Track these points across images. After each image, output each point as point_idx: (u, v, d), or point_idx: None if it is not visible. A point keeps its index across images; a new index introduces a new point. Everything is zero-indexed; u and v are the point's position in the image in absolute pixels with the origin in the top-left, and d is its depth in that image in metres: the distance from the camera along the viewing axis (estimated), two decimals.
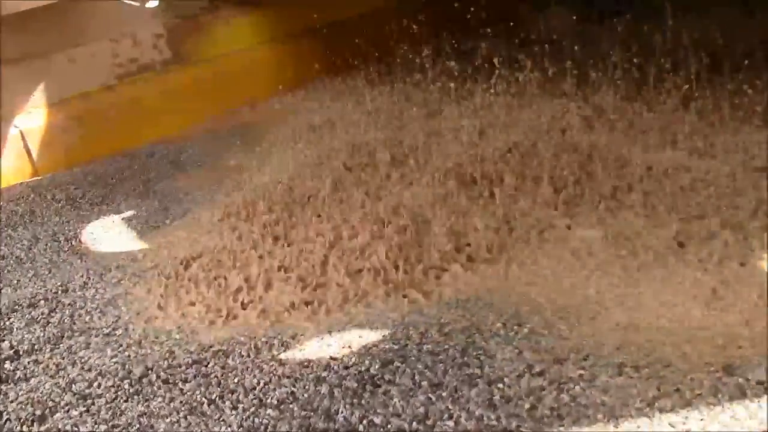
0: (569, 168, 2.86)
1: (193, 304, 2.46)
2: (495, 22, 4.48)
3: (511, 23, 4.60)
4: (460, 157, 3.11)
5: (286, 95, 4.70)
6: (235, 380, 2.00)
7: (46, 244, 3.18)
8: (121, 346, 2.27)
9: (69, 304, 2.59)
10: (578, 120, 3.31)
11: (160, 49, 4.54)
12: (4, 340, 2.37)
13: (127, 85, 4.47)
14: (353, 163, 3.35)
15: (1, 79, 3.93)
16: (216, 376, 2.03)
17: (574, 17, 4.52)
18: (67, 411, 1.98)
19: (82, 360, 2.23)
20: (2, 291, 2.76)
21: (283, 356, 2.09)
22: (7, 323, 2.48)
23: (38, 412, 1.99)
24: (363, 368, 1.95)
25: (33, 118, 4.19)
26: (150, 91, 4.49)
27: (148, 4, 4.43)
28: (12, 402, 2.05)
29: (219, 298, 2.45)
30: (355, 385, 1.88)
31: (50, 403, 2.02)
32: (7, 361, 2.27)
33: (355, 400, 1.81)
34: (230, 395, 1.93)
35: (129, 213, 3.47)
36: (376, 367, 1.94)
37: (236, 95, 4.63)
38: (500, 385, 1.78)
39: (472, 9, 4.44)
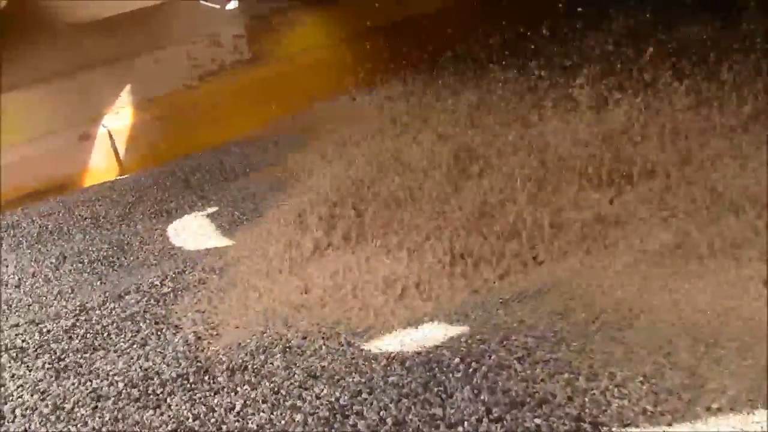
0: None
1: (270, 298, 2.48)
2: (569, 16, 4.44)
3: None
4: (535, 157, 3.06)
5: (359, 93, 4.73)
6: (312, 369, 1.99)
7: (132, 242, 3.24)
8: (198, 336, 2.28)
9: (155, 298, 2.61)
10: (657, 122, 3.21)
11: (239, 49, 4.66)
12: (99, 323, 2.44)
13: (208, 84, 4.60)
14: (423, 162, 3.32)
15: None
16: (291, 366, 2.03)
17: None
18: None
19: (165, 347, 2.25)
20: (97, 284, 2.82)
21: (356, 349, 2.08)
22: (105, 311, 2.52)
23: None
24: (442, 361, 1.92)
25: (120, 118, 4.36)
26: (230, 91, 4.61)
27: (228, 6, 4.55)
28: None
29: (294, 292, 2.47)
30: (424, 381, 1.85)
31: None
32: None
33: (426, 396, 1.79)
34: (310, 383, 1.92)
35: (210, 210, 3.53)
36: (455, 361, 1.91)
37: (311, 93, 4.69)
38: None
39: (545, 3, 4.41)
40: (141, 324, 2.37)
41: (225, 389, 1.93)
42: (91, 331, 2.35)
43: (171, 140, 4.44)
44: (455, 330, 2.06)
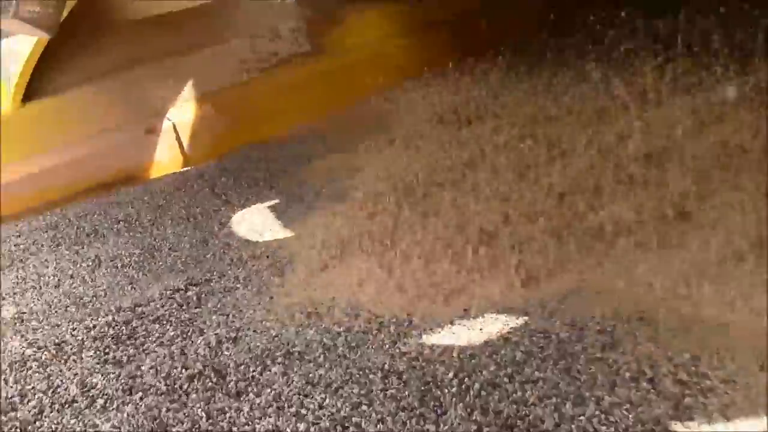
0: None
1: (328, 291, 2.49)
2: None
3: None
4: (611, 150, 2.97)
5: (418, 85, 4.71)
6: (368, 361, 1.99)
7: (196, 232, 3.28)
8: (266, 327, 2.30)
9: (218, 290, 2.64)
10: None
11: (299, 42, 4.71)
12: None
13: (268, 77, 4.65)
14: (488, 153, 3.28)
15: None
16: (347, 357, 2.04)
17: None
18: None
19: (238, 336, 2.29)
20: (151, 277, 2.88)
21: (412, 342, 2.07)
22: (159, 306, 2.56)
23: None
24: (504, 355, 1.89)
25: (183, 111, 4.45)
26: (290, 83, 4.65)
27: None
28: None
29: (354, 284, 2.47)
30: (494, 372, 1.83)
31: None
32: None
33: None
34: (367, 375, 1.92)
35: (272, 202, 3.57)
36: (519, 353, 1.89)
37: (369, 86, 4.69)
38: None
39: None
40: (208, 315, 2.40)
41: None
42: (154, 318, 2.41)
43: (233, 132, 4.51)
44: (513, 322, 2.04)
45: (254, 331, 2.26)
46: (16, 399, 2.02)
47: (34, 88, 4.03)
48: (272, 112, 4.59)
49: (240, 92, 4.59)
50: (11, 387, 2.08)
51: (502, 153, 3.23)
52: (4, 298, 2.64)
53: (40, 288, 2.74)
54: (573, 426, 1.56)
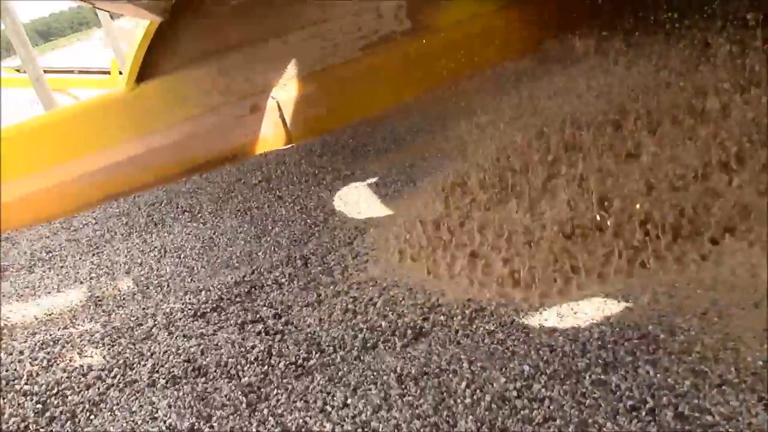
0: None
1: (426, 268, 2.46)
2: None
3: None
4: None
5: (519, 61, 4.60)
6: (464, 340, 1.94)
7: (298, 208, 3.35)
8: (362, 303, 2.30)
9: (320, 264, 2.67)
10: None
11: (400, 19, 4.70)
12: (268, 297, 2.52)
13: (369, 56, 4.68)
14: (592, 131, 3.07)
15: None
16: (442, 336, 2.00)
17: None
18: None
19: (337, 311, 2.31)
20: (257, 254, 2.95)
21: (498, 325, 2.00)
22: (267, 281, 2.60)
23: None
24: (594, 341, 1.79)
25: (287, 90, 4.56)
26: (390, 61, 4.66)
27: None
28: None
29: (450, 262, 2.44)
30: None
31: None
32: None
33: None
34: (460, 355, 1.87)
35: (372, 179, 3.60)
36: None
37: (471, 62, 4.64)
38: None
39: None
40: (311, 289, 2.46)
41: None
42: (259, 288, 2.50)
43: (335, 110, 4.61)
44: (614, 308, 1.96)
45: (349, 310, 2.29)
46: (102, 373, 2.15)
47: (146, 69, 4.23)
48: (373, 90, 4.64)
49: (342, 70, 4.65)
50: (104, 358, 2.22)
51: (609, 129, 3.04)
52: (81, 283, 2.82)
53: (113, 274, 2.91)
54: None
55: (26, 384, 2.09)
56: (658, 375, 1.58)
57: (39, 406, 1.98)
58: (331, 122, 4.57)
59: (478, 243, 2.48)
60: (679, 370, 1.57)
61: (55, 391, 2.03)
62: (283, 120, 4.56)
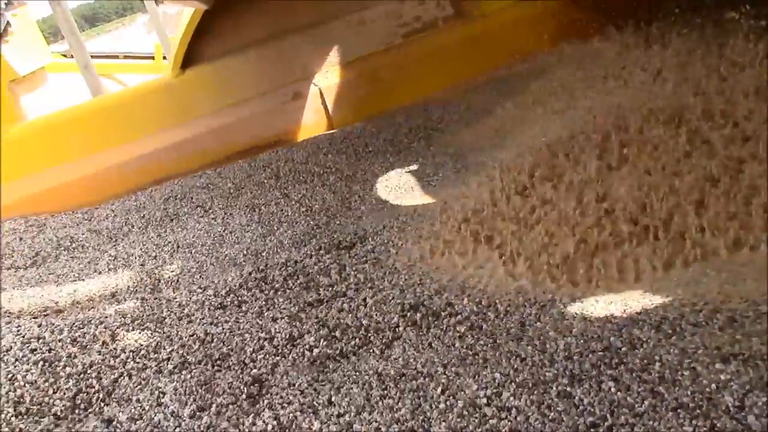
0: None
1: (467, 255, 2.46)
2: None
3: None
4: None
5: (561, 48, 4.51)
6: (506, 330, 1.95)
7: (341, 193, 3.39)
8: (405, 287, 2.33)
9: (363, 249, 2.70)
10: None
11: (442, 5, 4.66)
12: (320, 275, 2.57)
13: (411, 43, 4.67)
14: (627, 121, 2.95)
15: None
16: (478, 326, 2.01)
17: None
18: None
19: (379, 294, 2.34)
20: (310, 234, 3.00)
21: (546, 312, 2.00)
22: (311, 264, 2.64)
23: None
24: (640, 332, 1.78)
25: (329, 77, 4.59)
26: (433, 48, 4.65)
27: None
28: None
29: (494, 251, 2.42)
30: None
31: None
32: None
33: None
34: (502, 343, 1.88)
35: (414, 166, 3.60)
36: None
37: (514, 49, 4.59)
38: None
39: None
40: (354, 273, 2.50)
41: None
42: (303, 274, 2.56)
43: (376, 97, 4.64)
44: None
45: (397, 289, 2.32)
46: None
47: (191, 55, 4.32)
48: (415, 76, 4.64)
49: (383, 57, 4.66)
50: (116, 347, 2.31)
51: (657, 115, 2.91)
52: (99, 273, 2.92)
53: (130, 266, 3.02)
54: None
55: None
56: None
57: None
58: (372, 109, 4.60)
59: (518, 235, 2.43)
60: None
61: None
62: (325, 107, 4.61)
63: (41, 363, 2.17)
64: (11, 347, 2.26)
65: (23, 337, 2.32)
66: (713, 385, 1.49)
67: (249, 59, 4.49)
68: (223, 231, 3.17)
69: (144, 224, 3.50)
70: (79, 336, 2.32)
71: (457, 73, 4.62)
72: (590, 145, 2.81)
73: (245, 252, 2.87)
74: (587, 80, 3.84)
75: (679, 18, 4.03)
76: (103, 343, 2.28)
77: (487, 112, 4.04)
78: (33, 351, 2.24)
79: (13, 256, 3.31)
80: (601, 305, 1.97)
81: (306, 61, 4.58)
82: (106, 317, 2.45)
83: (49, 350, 2.24)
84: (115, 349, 2.25)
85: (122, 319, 2.42)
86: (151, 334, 2.31)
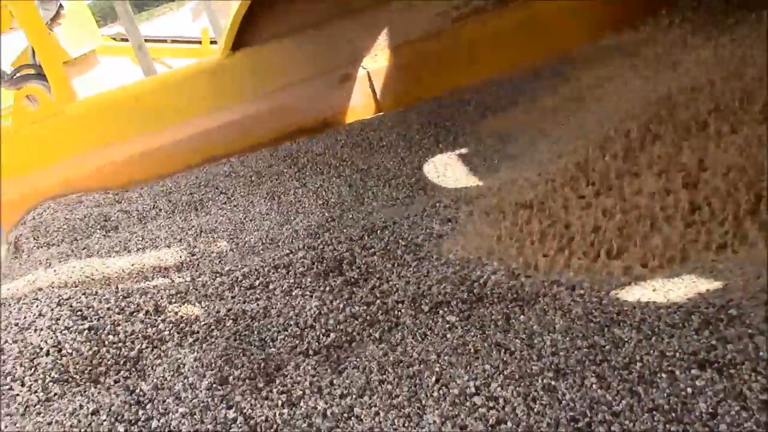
0: None
1: (517, 243, 2.46)
2: None
3: None
4: None
5: (611, 36, 4.43)
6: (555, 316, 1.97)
7: (387, 177, 3.44)
8: (447, 272, 2.36)
9: (407, 232, 2.74)
10: None
11: None
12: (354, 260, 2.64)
13: (460, 28, 4.66)
14: (681, 110, 2.91)
15: None
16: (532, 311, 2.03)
17: None
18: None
19: (419, 274, 2.40)
20: (352, 214, 3.08)
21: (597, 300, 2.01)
22: (356, 247, 2.71)
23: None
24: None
25: (377, 60, 4.63)
26: (483, 32, 4.62)
27: None
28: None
29: (545, 240, 2.42)
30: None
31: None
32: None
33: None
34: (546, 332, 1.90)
35: (462, 150, 3.62)
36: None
37: (566, 34, 4.53)
38: None
39: None
40: (401, 255, 2.58)
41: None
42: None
43: (425, 81, 4.64)
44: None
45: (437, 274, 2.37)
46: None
47: (242, 37, 4.42)
48: (464, 61, 4.63)
49: (433, 41, 4.67)
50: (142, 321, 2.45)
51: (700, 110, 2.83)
52: (129, 252, 3.09)
53: (157, 247, 3.16)
54: None
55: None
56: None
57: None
58: (421, 93, 4.61)
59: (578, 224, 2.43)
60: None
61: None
62: (373, 90, 4.64)
63: (87, 331, 2.31)
64: (60, 317, 2.40)
65: (71, 306, 2.46)
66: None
67: (299, 42, 4.56)
68: (244, 218, 3.28)
69: (171, 208, 3.64)
70: (125, 305, 2.46)
71: (509, 59, 4.56)
72: (636, 135, 2.76)
73: (264, 240, 2.98)
74: (644, 66, 3.77)
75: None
76: (147, 312, 2.42)
77: (539, 98, 4.02)
78: (84, 319, 2.39)
79: (49, 234, 3.51)
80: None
81: (355, 44, 4.62)
82: (149, 289, 2.59)
83: (98, 318, 2.38)
84: (155, 319, 2.40)
85: (162, 291, 2.56)
86: (187, 307, 2.45)
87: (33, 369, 2.16)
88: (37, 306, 2.50)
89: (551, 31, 4.53)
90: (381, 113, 4.55)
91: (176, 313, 2.43)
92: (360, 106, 4.64)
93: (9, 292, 2.78)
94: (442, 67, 4.63)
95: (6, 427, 1.99)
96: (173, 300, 2.50)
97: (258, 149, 4.33)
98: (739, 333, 1.64)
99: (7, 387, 2.12)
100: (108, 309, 2.43)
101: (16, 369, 2.18)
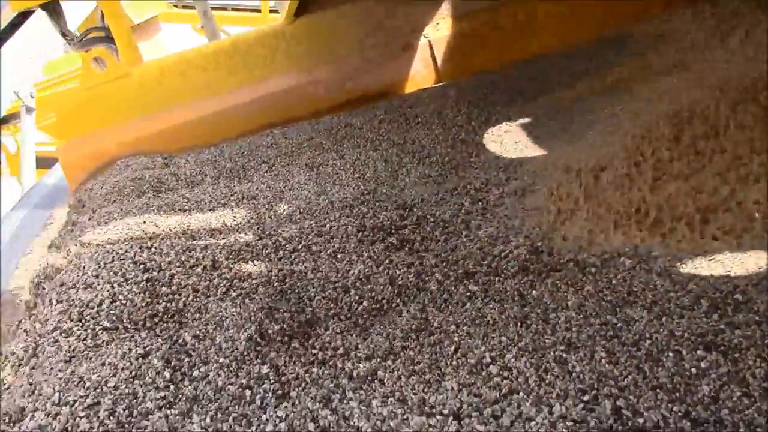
0: None
1: (583, 213, 2.47)
2: None
3: None
4: None
5: (674, 12, 4.30)
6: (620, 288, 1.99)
7: (422, 155, 3.47)
8: (473, 248, 2.42)
9: (469, 202, 2.80)
10: None
11: None
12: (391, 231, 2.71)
13: None
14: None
15: None
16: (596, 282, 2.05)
17: None
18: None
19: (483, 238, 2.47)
20: (386, 189, 3.12)
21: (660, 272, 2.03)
22: (391, 218, 2.76)
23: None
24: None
25: (439, 29, 4.63)
26: (544, 5, 4.53)
27: None
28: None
29: (613, 209, 2.42)
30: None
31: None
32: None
33: None
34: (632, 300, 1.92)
35: (524, 120, 3.62)
36: None
37: (635, 6, 4.43)
38: None
39: None
40: (431, 231, 2.64)
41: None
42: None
43: (487, 51, 4.59)
44: None
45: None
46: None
47: (305, 4, 4.46)
48: (525, 32, 4.56)
49: (495, 12, 4.61)
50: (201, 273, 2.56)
51: None
52: (175, 212, 3.22)
53: (202, 210, 3.26)
54: None
55: None
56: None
57: None
58: (481, 64, 4.58)
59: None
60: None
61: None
62: (434, 59, 4.63)
63: (145, 282, 2.45)
64: (120, 269, 2.54)
65: (134, 260, 2.60)
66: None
67: (360, 9, 4.55)
68: (284, 187, 3.38)
69: (216, 174, 3.76)
70: (185, 259, 2.58)
71: (574, 30, 4.48)
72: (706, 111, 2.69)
73: (301, 209, 3.06)
74: (714, 44, 3.66)
75: None
76: (204, 267, 2.54)
77: (598, 72, 3.96)
78: (146, 271, 2.51)
79: (109, 193, 3.65)
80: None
81: (417, 13, 4.59)
82: (209, 245, 2.71)
83: (159, 270, 2.52)
84: (211, 274, 2.52)
85: (219, 249, 2.67)
86: (240, 265, 2.58)
87: (81, 321, 2.29)
88: (96, 260, 2.65)
89: (617, 5, 4.43)
90: (441, 83, 4.56)
91: (230, 270, 2.54)
92: (420, 75, 4.63)
93: (75, 249, 2.95)
94: (505, 38, 4.57)
95: (46, 377, 2.11)
96: (229, 257, 2.61)
97: (316, 117, 4.39)
98: (746, 319, 1.65)
99: (52, 340, 2.25)
100: (169, 263, 2.56)
101: (62, 323, 2.31)
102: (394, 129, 3.90)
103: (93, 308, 2.33)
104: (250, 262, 2.61)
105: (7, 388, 2.19)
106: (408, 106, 4.20)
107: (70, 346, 2.18)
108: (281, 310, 2.23)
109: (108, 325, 2.26)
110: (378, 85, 4.59)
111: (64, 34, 4.00)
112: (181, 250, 2.65)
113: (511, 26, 4.57)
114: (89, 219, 3.37)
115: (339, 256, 2.56)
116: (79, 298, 2.40)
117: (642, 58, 3.94)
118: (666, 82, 3.43)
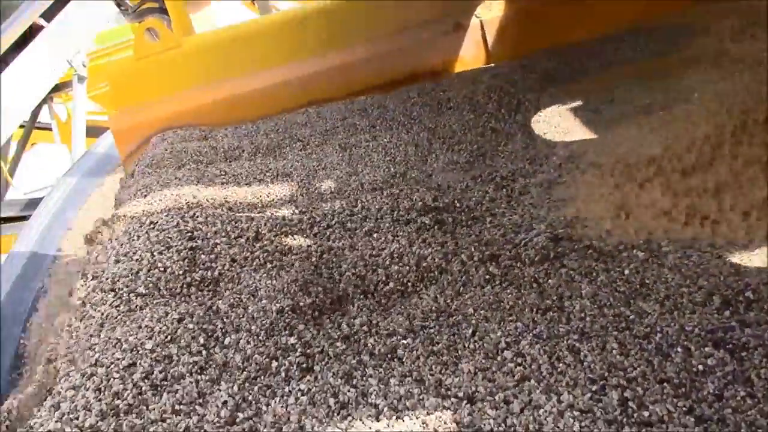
0: None
1: (615, 201, 2.49)
2: None
3: None
4: None
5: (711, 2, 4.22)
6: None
7: (452, 141, 3.47)
8: (496, 234, 2.45)
9: (494, 189, 2.84)
10: None
11: None
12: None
13: None
14: None
15: None
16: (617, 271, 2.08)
17: None
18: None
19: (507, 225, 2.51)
20: (415, 173, 3.17)
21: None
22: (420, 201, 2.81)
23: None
24: None
25: (492, 9, 4.59)
26: None
27: None
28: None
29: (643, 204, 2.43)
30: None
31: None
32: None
33: None
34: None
35: (573, 104, 3.61)
36: None
37: None
38: None
39: None
40: (482, 211, 2.69)
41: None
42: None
43: (538, 33, 4.56)
44: None
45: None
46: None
47: None
48: (577, 15, 4.50)
49: None
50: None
51: None
52: (215, 185, 3.30)
53: (238, 183, 3.34)
54: None
55: None
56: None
57: None
58: (533, 45, 4.53)
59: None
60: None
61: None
62: (485, 40, 4.59)
63: (186, 251, 2.52)
64: (163, 238, 2.62)
65: (177, 228, 2.69)
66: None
67: None
68: (317, 165, 3.43)
69: (253, 150, 3.82)
70: (230, 229, 2.67)
71: (626, 13, 4.40)
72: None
73: (332, 189, 3.12)
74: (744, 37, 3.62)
75: None
76: (247, 239, 2.61)
77: (656, 55, 3.94)
78: (191, 239, 2.60)
79: (155, 163, 3.75)
80: None
81: None
82: (254, 217, 2.78)
83: (203, 239, 2.59)
84: (253, 245, 2.59)
85: (263, 221, 2.73)
86: (281, 238, 2.64)
87: (113, 292, 2.38)
88: (135, 229, 2.76)
89: None
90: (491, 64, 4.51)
91: (272, 242, 2.61)
92: (470, 55, 4.60)
93: (123, 210, 3.07)
94: (558, 19, 4.52)
95: (75, 345, 2.22)
96: (272, 230, 2.68)
97: (364, 94, 4.39)
98: (757, 318, 1.66)
99: (89, 308, 2.35)
100: (215, 232, 2.64)
101: (95, 294, 2.40)
102: (426, 113, 3.92)
103: (127, 276, 2.42)
104: (291, 236, 2.67)
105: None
106: (441, 90, 4.19)
107: (103, 313, 2.28)
108: (315, 284, 2.30)
109: (143, 292, 2.36)
110: (428, 64, 4.57)
111: (119, 5, 4.09)
112: (226, 220, 2.73)
113: (561, 11, 4.51)
114: (129, 190, 3.49)
115: (375, 235, 2.61)
116: (116, 269, 2.49)
117: (676, 48, 3.89)
118: (702, 73, 3.40)
